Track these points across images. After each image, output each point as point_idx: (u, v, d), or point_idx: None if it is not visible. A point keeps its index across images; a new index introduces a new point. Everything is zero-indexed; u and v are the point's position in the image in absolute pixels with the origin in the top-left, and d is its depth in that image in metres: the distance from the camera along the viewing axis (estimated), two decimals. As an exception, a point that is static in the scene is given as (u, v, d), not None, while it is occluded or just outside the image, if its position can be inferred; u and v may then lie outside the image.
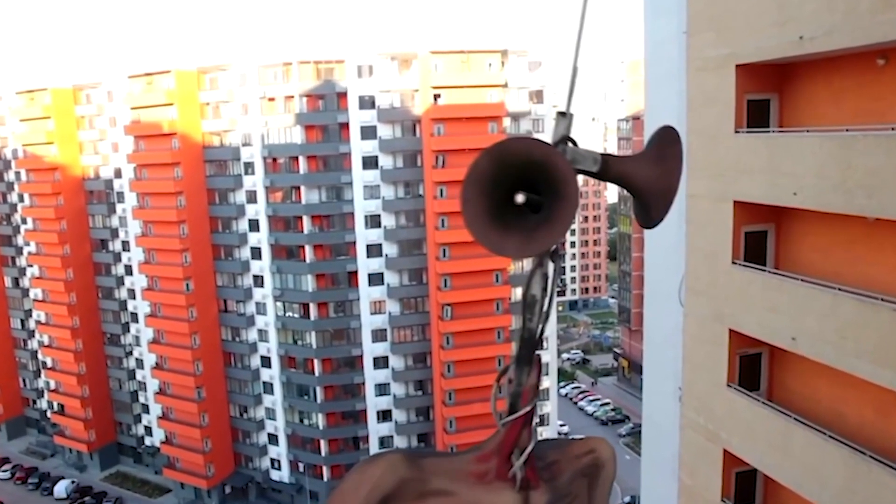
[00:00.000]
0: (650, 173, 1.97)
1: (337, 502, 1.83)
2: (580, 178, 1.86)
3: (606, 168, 1.92)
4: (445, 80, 54.50)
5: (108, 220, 65.10)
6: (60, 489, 63.63)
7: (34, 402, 74.00)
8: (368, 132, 54.50)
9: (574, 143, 1.88)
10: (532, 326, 1.85)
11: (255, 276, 57.82)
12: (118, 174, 63.16)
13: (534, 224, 1.69)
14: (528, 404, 1.90)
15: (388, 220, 55.30)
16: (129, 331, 65.77)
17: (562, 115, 1.88)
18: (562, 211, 1.66)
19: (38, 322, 68.95)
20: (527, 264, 1.92)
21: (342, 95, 54.27)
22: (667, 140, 2.00)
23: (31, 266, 68.24)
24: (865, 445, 11.32)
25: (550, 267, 1.84)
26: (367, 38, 56.22)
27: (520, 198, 1.68)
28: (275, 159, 55.77)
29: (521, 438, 1.91)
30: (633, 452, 66.00)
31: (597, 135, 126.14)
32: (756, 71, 13.30)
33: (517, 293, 54.06)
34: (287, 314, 56.94)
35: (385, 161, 54.92)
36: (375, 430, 57.27)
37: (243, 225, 57.68)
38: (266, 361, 58.78)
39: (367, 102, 54.39)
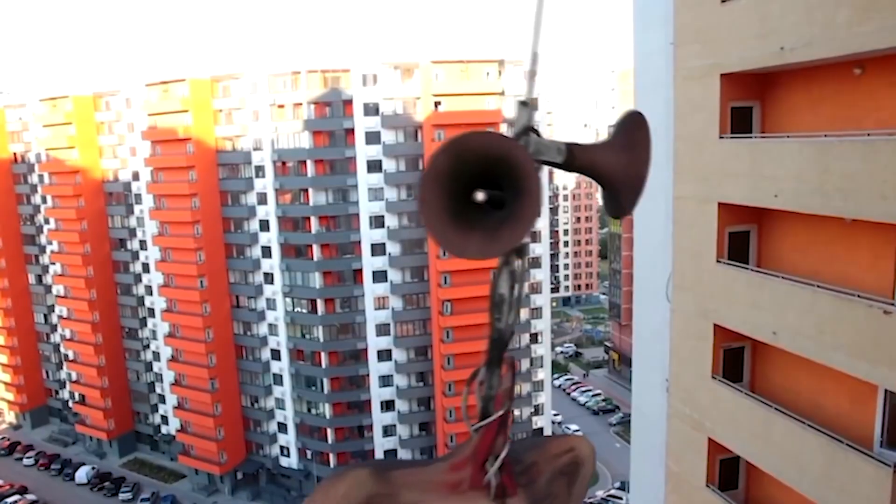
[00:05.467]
0: (618, 161, 1.78)
1: None
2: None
3: (572, 158, 1.74)
4: (445, 88, 54.52)
5: (127, 220, 65.09)
6: (81, 475, 63.66)
7: (56, 392, 74.05)
8: (373, 137, 54.49)
9: (537, 133, 1.70)
10: (501, 326, 1.67)
11: (266, 274, 57.80)
12: (136, 177, 63.15)
13: (497, 222, 1.51)
14: (502, 408, 1.72)
15: (391, 221, 55.29)
16: (146, 325, 65.77)
17: (523, 104, 1.69)
18: (525, 207, 1.47)
19: (60, 317, 68.98)
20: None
21: (348, 103, 54.26)
22: (634, 125, 1.81)
23: (54, 264, 68.24)
24: (842, 434, 11.35)
25: (517, 264, 1.65)
26: (371, 49, 56.11)
27: (479, 196, 1.52)
28: (284, 163, 55.76)
29: (495, 444, 1.73)
30: (623, 441, 66.03)
31: (589, 140, 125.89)
32: (739, 80, 13.31)
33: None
34: (296, 309, 56.95)
35: (388, 165, 54.90)
36: (379, 419, 57.29)
37: (254, 225, 57.67)
38: (276, 354, 58.78)
39: (372, 109, 54.38)
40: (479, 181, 1.52)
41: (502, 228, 1.49)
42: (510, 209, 1.50)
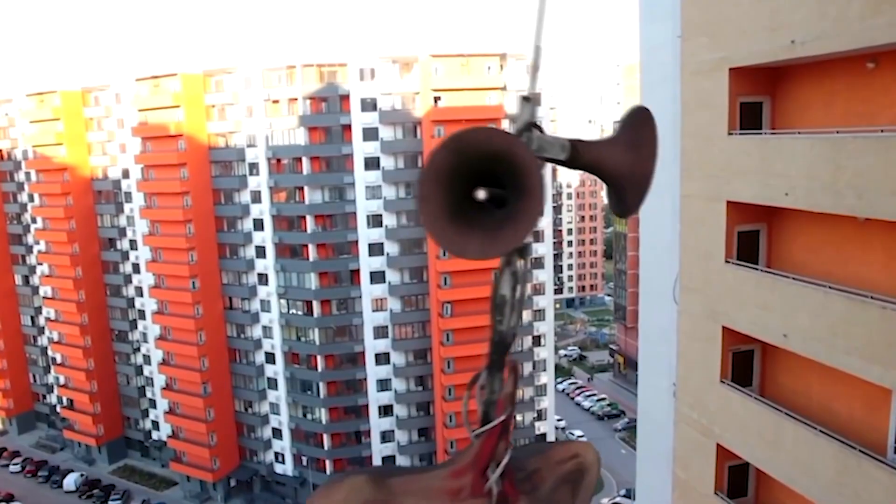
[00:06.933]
0: (624, 159, 1.77)
1: None
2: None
3: (576, 155, 1.73)
4: (445, 82, 54.47)
5: (117, 219, 65.05)
6: (70, 482, 63.64)
7: (44, 396, 74.03)
8: (370, 134, 54.50)
9: (540, 129, 1.69)
10: (502, 329, 1.67)
11: (260, 275, 57.79)
12: (126, 174, 63.13)
13: (498, 221, 1.50)
14: (503, 413, 1.72)
15: (389, 220, 55.29)
16: (136, 327, 65.76)
17: (525, 99, 1.69)
18: (527, 206, 1.46)
19: (47, 319, 68.97)
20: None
21: (345, 98, 54.26)
22: (640, 121, 1.80)
23: (41, 264, 68.23)
24: (855, 440, 11.34)
25: (520, 265, 1.65)
26: (368, 42, 56.10)
27: (481, 194, 1.51)
28: (279, 160, 55.73)
29: (497, 450, 1.73)
30: (629, 447, 66.05)
31: (593, 136, 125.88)
32: (749, 74, 13.30)
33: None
34: (291, 311, 56.93)
35: (386, 162, 54.90)
36: (377, 424, 57.28)
37: (248, 224, 57.66)
38: (270, 357, 58.77)
39: (369, 105, 54.38)
40: (480, 179, 1.51)
41: (504, 228, 1.48)
42: (511, 208, 1.50)
